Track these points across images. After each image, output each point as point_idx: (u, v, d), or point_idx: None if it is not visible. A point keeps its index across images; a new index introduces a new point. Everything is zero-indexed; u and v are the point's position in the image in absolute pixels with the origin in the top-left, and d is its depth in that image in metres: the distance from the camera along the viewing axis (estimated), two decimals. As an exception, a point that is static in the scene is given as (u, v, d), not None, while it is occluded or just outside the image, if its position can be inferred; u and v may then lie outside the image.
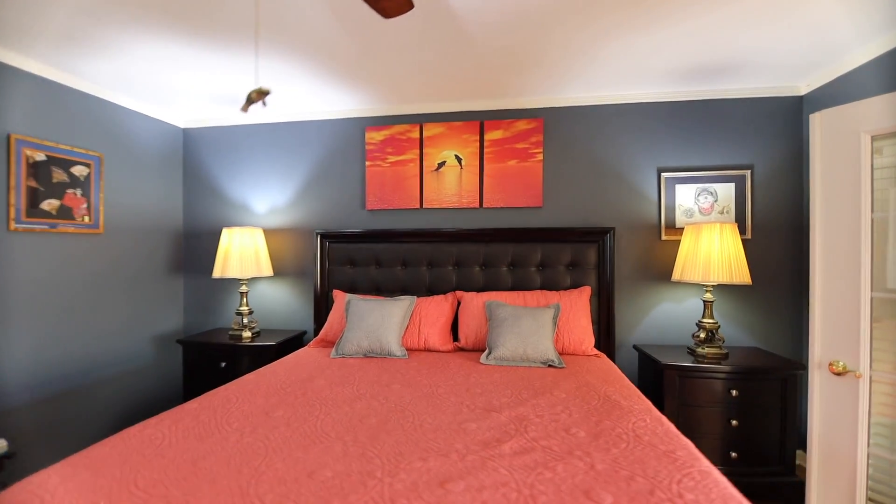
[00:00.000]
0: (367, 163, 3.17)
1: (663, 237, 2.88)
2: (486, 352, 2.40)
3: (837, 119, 1.83)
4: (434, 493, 1.08)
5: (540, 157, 2.97)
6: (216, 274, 2.95)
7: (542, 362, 2.30)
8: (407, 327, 2.65)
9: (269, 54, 2.34)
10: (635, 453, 1.29)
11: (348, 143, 3.24)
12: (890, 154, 1.72)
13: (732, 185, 2.82)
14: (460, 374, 2.14)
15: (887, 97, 1.69)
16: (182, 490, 1.10)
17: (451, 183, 3.08)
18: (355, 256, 3.11)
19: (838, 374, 1.80)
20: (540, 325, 2.41)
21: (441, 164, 3.09)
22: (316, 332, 3.10)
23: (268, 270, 3.09)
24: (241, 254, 2.94)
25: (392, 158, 3.13)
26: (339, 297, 2.91)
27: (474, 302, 2.72)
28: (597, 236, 2.85)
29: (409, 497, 1.06)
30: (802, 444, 2.52)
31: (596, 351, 2.56)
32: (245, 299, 3.07)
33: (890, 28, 2.06)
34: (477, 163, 3.05)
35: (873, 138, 1.73)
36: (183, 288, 3.47)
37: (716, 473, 1.18)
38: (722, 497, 1.06)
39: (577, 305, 2.64)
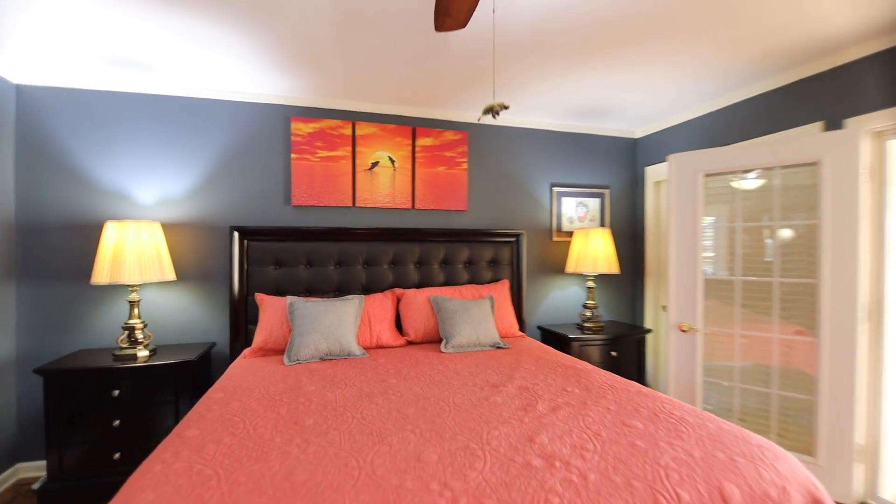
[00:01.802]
0: (294, 155, 2.97)
1: (554, 238, 3.61)
2: (444, 342, 2.64)
3: (683, 160, 2.74)
4: (534, 447, 1.32)
5: (465, 166, 3.34)
6: (100, 279, 2.35)
7: (491, 345, 2.68)
8: (361, 326, 2.66)
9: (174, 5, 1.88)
10: (622, 396, 1.78)
11: (269, 131, 2.97)
12: (712, 184, 2.70)
13: (598, 199, 3.74)
14: (435, 363, 2.34)
15: (710, 151, 2.64)
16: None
17: (384, 183, 3.17)
18: (282, 256, 2.89)
19: (685, 331, 2.71)
20: (485, 314, 2.78)
21: (374, 164, 3.14)
22: (233, 342, 2.76)
23: (171, 273, 2.60)
24: (140, 253, 2.42)
25: (322, 153, 3.03)
26: (271, 300, 2.69)
27: (417, 298, 2.91)
28: (511, 238, 3.38)
29: (523, 453, 1.28)
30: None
31: (521, 333, 3.08)
32: (137, 310, 2.52)
33: (697, 103, 3.15)
34: (409, 166, 3.22)
35: (705, 175, 2.67)
36: (15, 300, 2.58)
37: (674, 402, 1.76)
38: (685, 407, 1.62)
39: (503, 296, 3.11)
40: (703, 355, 2.68)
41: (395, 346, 2.71)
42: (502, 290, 3.16)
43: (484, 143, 3.42)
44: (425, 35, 2.16)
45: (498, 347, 2.68)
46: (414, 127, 3.23)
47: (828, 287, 2.25)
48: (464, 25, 1.58)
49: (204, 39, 2.19)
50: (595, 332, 3.22)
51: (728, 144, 2.97)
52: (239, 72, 2.58)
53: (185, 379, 2.42)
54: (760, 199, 2.60)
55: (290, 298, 2.61)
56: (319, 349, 2.40)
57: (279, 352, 2.53)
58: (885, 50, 2.17)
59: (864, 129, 2.24)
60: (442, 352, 2.57)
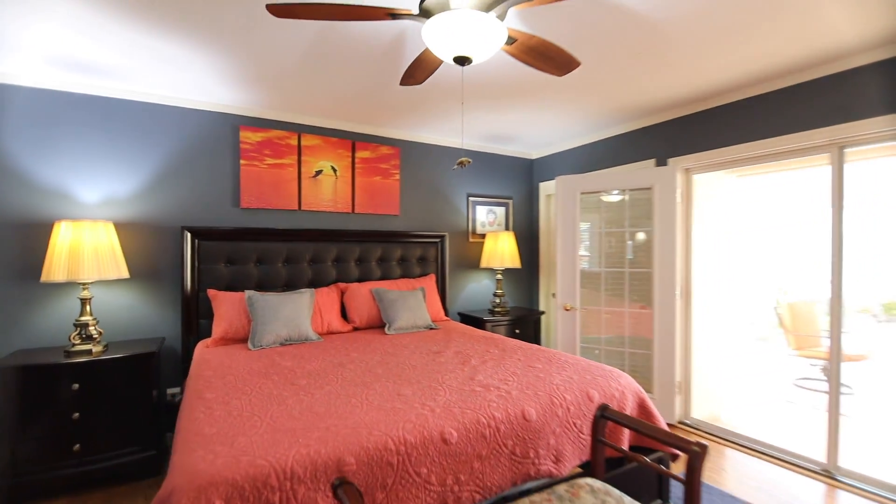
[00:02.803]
0: (243, 161, 3.23)
1: (470, 240, 4.33)
2: (387, 325, 3.16)
3: (566, 181, 3.63)
4: (475, 382, 1.95)
5: (398, 177, 3.88)
6: (55, 276, 2.42)
7: (425, 327, 3.27)
8: (313, 316, 3.05)
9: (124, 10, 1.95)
10: (527, 352, 2.50)
11: (218, 138, 3.19)
12: (588, 198, 3.63)
13: (504, 208, 4.55)
14: (383, 341, 2.85)
15: (585, 175, 3.56)
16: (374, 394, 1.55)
17: (327, 189, 3.57)
18: (233, 254, 3.14)
19: (568, 310, 3.60)
20: (418, 302, 3.36)
21: (318, 172, 3.52)
22: (186, 336, 2.96)
23: (125, 271, 2.72)
24: (97, 251, 2.53)
25: (270, 161, 3.33)
26: (225, 295, 2.93)
27: (360, 290, 3.38)
28: (436, 239, 4.00)
29: (469, 385, 1.90)
30: (538, 358, 4.47)
31: (446, 317, 3.72)
32: (89, 307, 2.60)
33: (577, 137, 4.11)
34: (350, 175, 3.66)
35: (582, 193, 3.58)
36: (-62, 300, 2.48)
37: (560, 353, 2.53)
38: (568, 356, 2.39)
39: (431, 287, 3.72)
40: (580, 328, 3.59)
41: (344, 332, 3.16)
42: (430, 282, 3.77)
43: (414, 158, 4.00)
44: (377, 73, 2.67)
45: (431, 328, 3.28)
46: (354, 141, 3.68)
47: (658, 275, 3.27)
48: (421, 83, 2.15)
49: (167, 55, 2.42)
50: (503, 315, 3.99)
51: (599, 169, 3.95)
52: (192, 83, 2.80)
53: (146, 370, 2.59)
54: (619, 210, 3.58)
55: (248, 293, 2.90)
56: (280, 335, 2.75)
57: (239, 340, 2.82)
58: (692, 114, 3.24)
59: (679, 166, 3.30)
60: (386, 333, 3.09)
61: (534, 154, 4.74)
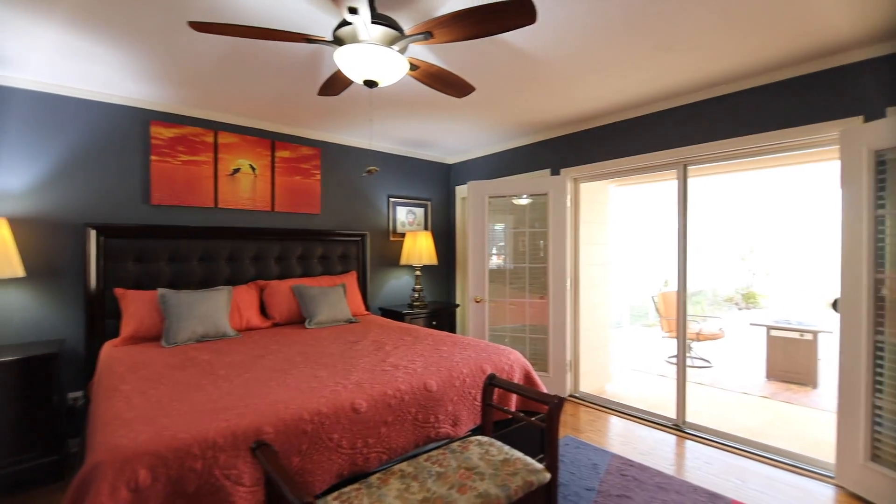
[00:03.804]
0: (154, 157, 3.17)
1: (391, 239, 4.57)
2: (308, 320, 3.30)
3: (477, 186, 4.02)
4: (386, 364, 2.20)
5: (319, 177, 4.00)
6: (-66, 275, 2.26)
7: (346, 321, 3.46)
8: (231, 312, 3.10)
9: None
10: (437, 339, 2.80)
11: (127, 132, 3.10)
12: (495, 203, 4.04)
13: (423, 209, 4.86)
14: (303, 334, 3.00)
15: (493, 181, 3.98)
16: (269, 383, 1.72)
17: (245, 188, 3.60)
18: (143, 252, 3.08)
19: (478, 302, 3.99)
20: (339, 298, 3.54)
21: (236, 171, 3.55)
22: (90, 336, 2.86)
23: (19, 269, 2.58)
24: (-14, 249, 2.39)
25: (184, 157, 3.30)
26: (135, 294, 2.88)
27: (280, 287, 3.47)
28: (358, 237, 4.19)
29: (380, 366, 2.15)
30: (454, 348, 4.83)
31: (367, 312, 3.93)
32: (-26, 307, 2.45)
33: (488, 146, 4.54)
34: (269, 173, 3.72)
35: (489, 197, 3.99)
36: None
37: (465, 337, 2.87)
38: (471, 339, 2.74)
39: (352, 284, 3.91)
40: (489, 319, 4.00)
41: (264, 328, 3.24)
42: (351, 279, 3.95)
43: (335, 159, 4.15)
44: (296, 81, 2.81)
45: (351, 322, 3.47)
46: (273, 140, 3.74)
47: (552, 269, 3.77)
48: (338, 94, 2.36)
49: (74, 48, 2.38)
50: (421, 308, 4.29)
51: (507, 176, 4.39)
52: (102, 77, 2.73)
53: (44, 373, 2.49)
54: (530, 212, 4.05)
55: (160, 290, 2.88)
56: (196, 332, 2.79)
57: (151, 339, 2.79)
58: (579, 132, 3.78)
59: (569, 175, 3.83)
60: (306, 328, 3.23)
61: (450, 159, 5.10)
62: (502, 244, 4.27)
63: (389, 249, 4.56)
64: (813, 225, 11.38)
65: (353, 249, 4.18)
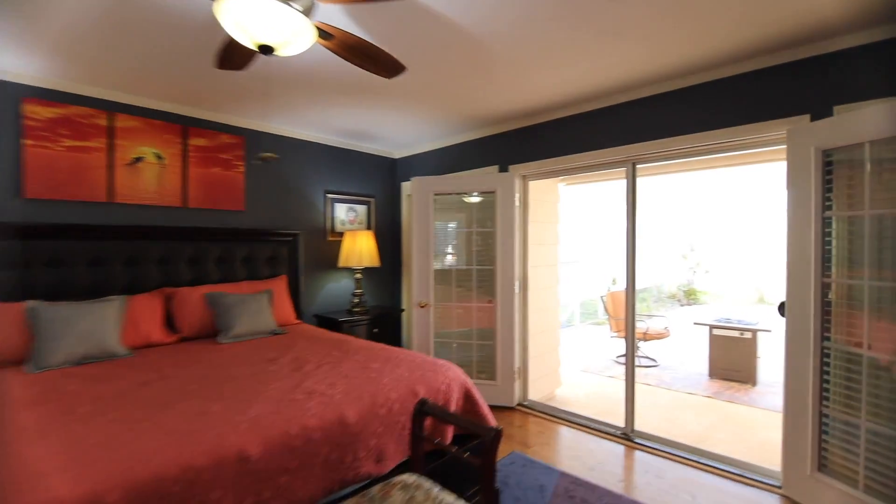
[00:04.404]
0: (28, 141, 2.62)
1: (329, 238, 4.18)
2: (222, 333, 2.87)
3: (421, 182, 3.72)
4: (299, 389, 1.86)
5: (242, 169, 3.55)
6: None
7: (269, 332, 3.05)
8: (125, 327, 2.61)
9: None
10: (370, 353, 2.49)
11: (-15, 110, 2.53)
12: (443, 201, 3.76)
13: (366, 206, 4.50)
14: (213, 351, 2.58)
15: (438, 177, 3.70)
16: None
17: (150, 180, 3.09)
18: (12, 256, 2.52)
19: (422, 307, 3.70)
20: (262, 306, 3.12)
21: (138, 160, 3.04)
22: (-69, 360, 2.29)
23: None
24: None
25: (69, 143, 2.76)
26: (-5, 306, 2.36)
27: (192, 295, 3.01)
28: (288, 237, 3.77)
29: (291, 393, 1.80)
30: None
31: (297, 320, 3.53)
32: None
33: (437, 139, 4.25)
34: (180, 164, 3.22)
35: (435, 194, 3.71)
36: None
37: (402, 351, 2.57)
38: (407, 352, 2.45)
39: (281, 289, 3.49)
40: (434, 324, 3.72)
41: (168, 343, 2.78)
42: (280, 284, 3.53)
43: (263, 149, 3.70)
44: (197, 53, 2.38)
45: (276, 333, 3.07)
46: (186, 126, 3.26)
47: (500, 271, 3.54)
48: (242, 69, 1.97)
49: None
50: (362, 314, 3.94)
51: (455, 172, 4.12)
52: (-58, 38, 2.18)
53: None
54: (480, 210, 3.80)
55: (29, 303, 2.37)
56: (75, 353, 2.30)
57: (13, 363, 2.28)
58: (528, 126, 3.57)
59: (518, 173, 3.61)
60: (220, 342, 2.81)
61: (396, 154, 4.77)
62: (451, 245, 4.00)
63: (327, 250, 4.16)
64: (755, 224, 12.06)
65: (284, 251, 3.76)
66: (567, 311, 8.50)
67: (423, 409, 1.71)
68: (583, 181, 4.77)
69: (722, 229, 12.32)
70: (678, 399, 4.12)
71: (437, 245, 3.83)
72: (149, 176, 3.09)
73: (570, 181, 4.73)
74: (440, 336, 3.76)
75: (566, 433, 3.17)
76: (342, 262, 3.98)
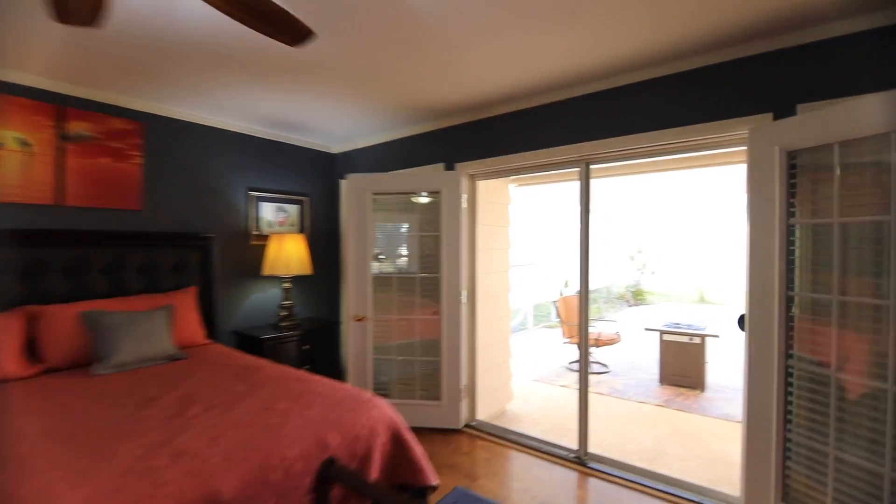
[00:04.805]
0: None
1: (253, 242, 3.66)
2: (100, 362, 2.32)
3: (357, 180, 3.31)
4: (164, 449, 1.41)
5: (139, 160, 2.97)
6: None
7: (164, 358, 2.53)
8: (-45, 358, 2.02)
9: None
10: (281, 385, 2.06)
11: None
12: (384, 201, 3.36)
13: (298, 206, 4.01)
14: (79, 389, 2.04)
15: (377, 175, 3.30)
16: None
17: (11, 171, 2.47)
18: None
19: (359, 320, 3.29)
20: (158, 326, 2.59)
21: (-11, 146, 2.41)
22: None
23: None
24: None
25: None
26: None
27: (63, 315, 2.43)
28: (200, 241, 3.23)
29: (149, 458, 1.35)
30: (337, 366, 4.06)
31: (207, 340, 3.00)
32: None
33: (379, 133, 3.84)
34: (53, 152, 2.62)
35: (374, 194, 3.30)
36: None
37: (322, 381, 2.16)
38: (326, 382, 2.04)
39: (187, 304, 2.96)
40: (373, 338, 3.32)
41: (25, 377, 2.19)
42: (187, 297, 3.00)
43: (166, 137, 3.14)
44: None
45: (174, 359, 2.55)
46: (62, 106, 2.66)
47: (445, 279, 3.20)
48: (91, 25, 1.49)
49: None
50: (291, 329, 3.47)
51: (399, 169, 3.72)
52: None
53: None
54: (418, 212, 3.43)
55: None
56: None
57: None
58: (476, 121, 3.25)
59: (465, 171, 3.28)
60: (94, 374, 2.26)
61: (335, 148, 4.31)
62: (397, 250, 3.61)
63: (251, 256, 3.64)
64: (698, 226, 12.54)
65: (194, 257, 3.22)
66: (521, 314, 8.34)
67: (328, 474, 1.32)
68: (535, 182, 4.54)
69: (668, 231, 12.73)
70: (631, 410, 3.97)
71: (383, 250, 3.43)
72: (10, 167, 2.48)
73: (522, 182, 4.48)
74: (380, 351, 3.36)
75: (516, 459, 2.88)
76: (267, 270, 3.48)
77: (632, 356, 5.92)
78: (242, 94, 2.87)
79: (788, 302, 1.96)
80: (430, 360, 3.29)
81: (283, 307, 3.56)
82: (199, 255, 3.23)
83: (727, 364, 5.49)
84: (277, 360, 3.23)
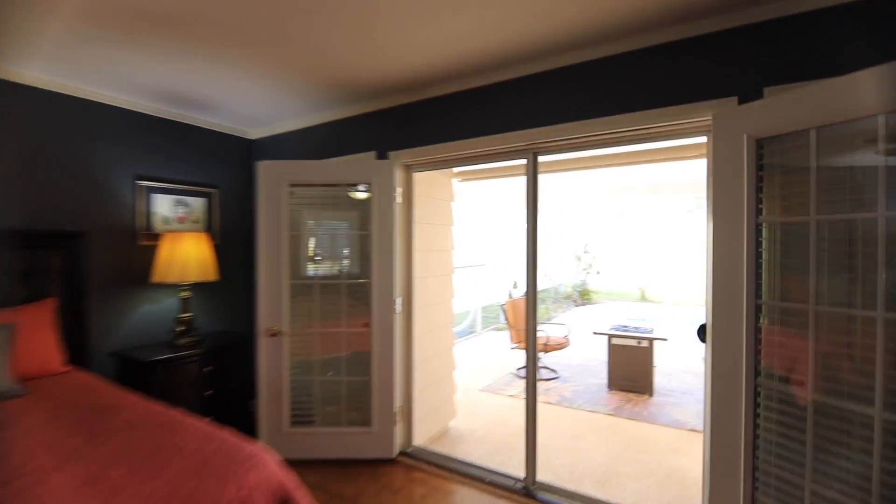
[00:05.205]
0: None
1: (143, 243, 3.01)
2: None
3: (271, 169, 2.78)
4: None
5: (-33, 136, 2.27)
6: None
7: (-10, 397, 1.89)
8: None
9: None
10: (135, 435, 1.53)
11: None
12: (313, 195, 2.85)
13: (205, 199, 3.39)
14: None
15: (295, 163, 2.80)
16: None
17: None
18: None
19: (273, 335, 2.76)
20: (-17, 353, 1.94)
21: None
22: None
23: None
24: None
25: None
26: None
27: None
28: (64, 241, 2.57)
29: None
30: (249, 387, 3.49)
31: (68, 367, 2.36)
32: None
33: (303, 115, 3.31)
34: None
35: (291, 185, 2.79)
36: None
37: (193, 428, 1.66)
38: (198, 432, 1.55)
39: (40, 321, 2.30)
40: (290, 356, 2.80)
41: None
42: (40, 312, 2.34)
43: (14, 107, 2.45)
44: None
45: (5, 398, 1.92)
46: None
47: (376, 285, 2.75)
48: None
49: None
50: (190, 348, 2.87)
51: (332, 157, 3.20)
52: None
53: None
54: (346, 208, 2.95)
55: None
56: None
57: None
58: (412, 102, 2.83)
59: (399, 161, 2.86)
60: None
61: (253, 133, 3.73)
62: (338, 251, 3.12)
63: (140, 260, 2.99)
64: (641, 224, 12.89)
65: (56, 260, 2.55)
66: (469, 317, 8.04)
67: None
68: (481, 177, 4.20)
69: (612, 229, 13.01)
70: (581, 421, 3.74)
71: (327, 252, 2.92)
72: None
73: (467, 177, 4.13)
74: (300, 369, 2.85)
75: (458, 493, 2.50)
76: (157, 276, 2.85)
77: (581, 358, 5.77)
78: (115, 57, 2.26)
79: (758, 312, 1.72)
80: (359, 379, 2.82)
81: (180, 321, 2.95)
82: (62, 259, 2.57)
83: (672, 365, 5.46)
84: (170, 387, 2.65)
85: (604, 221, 13.02)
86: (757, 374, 1.72)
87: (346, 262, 3.03)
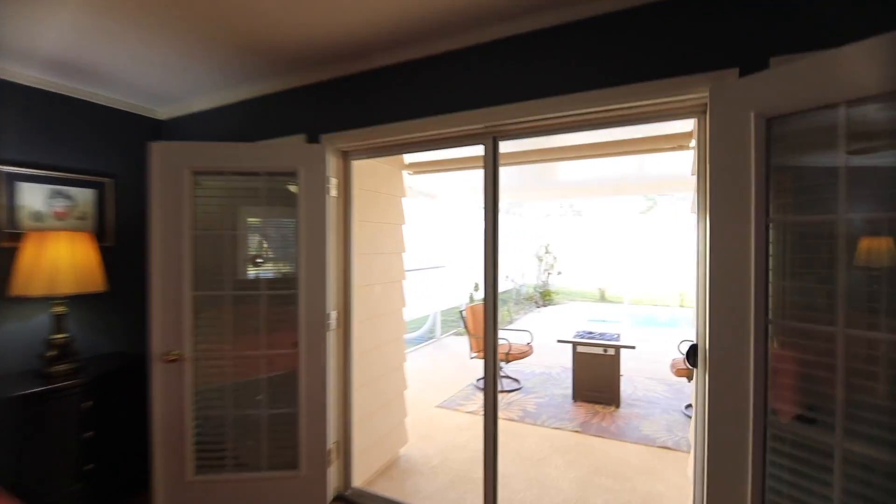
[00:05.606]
0: None
1: (5, 244, 2.35)
2: None
3: (168, 152, 2.22)
4: None
5: None
6: None
7: None
8: None
9: None
10: None
11: None
12: (207, 184, 2.30)
13: (95, 191, 2.75)
14: None
15: (200, 145, 2.25)
16: None
17: None
18: None
19: (171, 360, 2.20)
20: None
21: None
22: None
23: None
24: None
25: None
26: None
27: None
28: None
29: None
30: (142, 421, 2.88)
31: None
32: None
33: (220, 90, 2.74)
34: None
35: (196, 173, 2.24)
36: None
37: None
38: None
39: None
40: (193, 384, 2.24)
41: None
42: None
43: None
44: None
45: None
46: None
47: (304, 296, 2.25)
48: None
49: None
50: (66, 377, 2.26)
51: (262, 140, 2.64)
52: None
53: None
54: (267, 202, 2.42)
55: None
56: None
57: None
58: (350, 75, 2.35)
59: (334, 146, 2.37)
60: None
61: (162, 112, 3.10)
62: (258, 258, 2.56)
63: (1, 265, 2.34)
64: (602, 223, 12.91)
65: None
66: (428, 321, 7.60)
67: None
68: (436, 169, 3.75)
69: (570, 229, 12.98)
70: (545, 440, 3.39)
71: (247, 254, 2.36)
72: None
73: (420, 169, 3.68)
74: (207, 400, 2.30)
75: (401, 549, 2.05)
76: (19, 288, 2.21)
77: (544, 365, 5.48)
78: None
79: (766, 332, 1.38)
80: (283, 411, 2.31)
81: (53, 343, 2.32)
82: None
83: (636, 369, 5.27)
84: (37, 430, 2.04)
85: (561, 221, 12.97)
86: (767, 412, 1.38)
87: (268, 266, 2.49)
